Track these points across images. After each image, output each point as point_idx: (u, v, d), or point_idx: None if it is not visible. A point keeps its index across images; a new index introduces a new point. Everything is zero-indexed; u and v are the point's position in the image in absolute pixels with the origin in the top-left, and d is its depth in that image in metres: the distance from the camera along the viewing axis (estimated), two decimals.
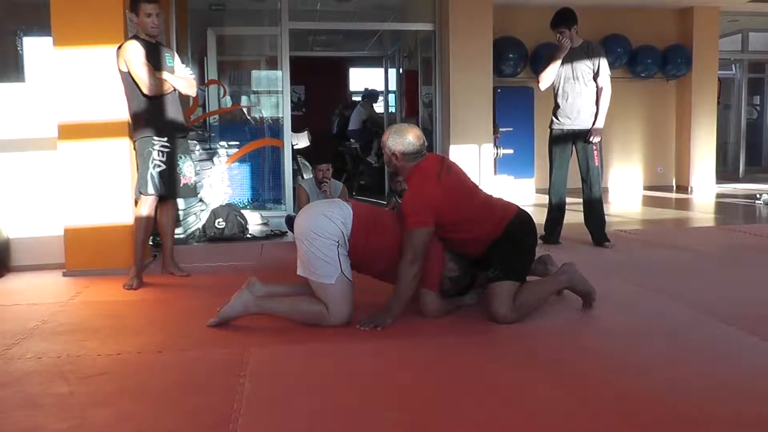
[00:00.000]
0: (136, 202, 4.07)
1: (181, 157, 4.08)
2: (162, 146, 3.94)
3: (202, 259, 4.76)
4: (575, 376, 2.43)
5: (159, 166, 3.94)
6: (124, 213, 4.27)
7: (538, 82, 5.06)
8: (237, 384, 2.35)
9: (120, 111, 4.15)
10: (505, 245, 3.12)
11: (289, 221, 5.49)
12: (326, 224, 2.98)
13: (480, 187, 3.36)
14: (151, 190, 3.94)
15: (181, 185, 4.10)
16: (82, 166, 4.23)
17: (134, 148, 4.04)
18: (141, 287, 3.86)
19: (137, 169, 4.06)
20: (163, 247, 4.23)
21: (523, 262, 3.20)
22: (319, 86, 12.16)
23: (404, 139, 3.14)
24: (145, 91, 3.87)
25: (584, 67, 4.85)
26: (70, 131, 4.21)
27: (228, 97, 8.38)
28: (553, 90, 5.02)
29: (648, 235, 5.69)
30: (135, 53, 3.84)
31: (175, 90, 4.02)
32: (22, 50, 7.79)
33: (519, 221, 3.22)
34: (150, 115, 3.94)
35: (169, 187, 4.03)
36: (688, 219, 7.02)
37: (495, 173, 7.76)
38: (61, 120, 4.21)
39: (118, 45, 3.97)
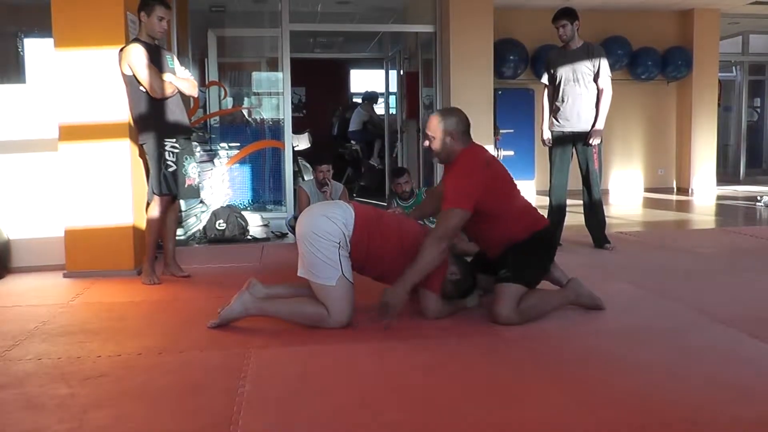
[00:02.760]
0: (148, 204, 4.08)
1: (186, 158, 4.10)
2: (172, 146, 3.97)
3: (203, 261, 4.77)
4: (576, 378, 2.43)
5: (170, 166, 3.98)
6: (125, 214, 4.28)
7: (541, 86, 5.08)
8: (237, 385, 2.35)
9: (121, 112, 4.16)
10: (524, 250, 3.14)
11: (290, 223, 5.49)
12: (327, 225, 2.98)
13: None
14: (165, 190, 3.98)
15: (186, 186, 4.12)
16: (82, 168, 4.23)
17: (142, 151, 4.04)
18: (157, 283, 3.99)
19: (146, 171, 4.07)
20: (164, 248, 4.24)
21: (535, 273, 3.20)
22: (319, 88, 12.16)
23: (458, 117, 3.18)
24: (151, 93, 3.88)
25: (585, 68, 4.85)
26: (70, 132, 4.21)
27: (229, 99, 8.39)
28: (553, 92, 5.03)
29: (648, 237, 5.69)
30: (138, 56, 3.84)
31: (178, 91, 4.03)
32: (22, 51, 7.80)
33: (546, 235, 3.27)
34: (156, 117, 3.95)
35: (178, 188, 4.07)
36: (689, 221, 7.02)
37: None
38: (62, 121, 4.21)
39: (119, 47, 3.98)
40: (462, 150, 3.18)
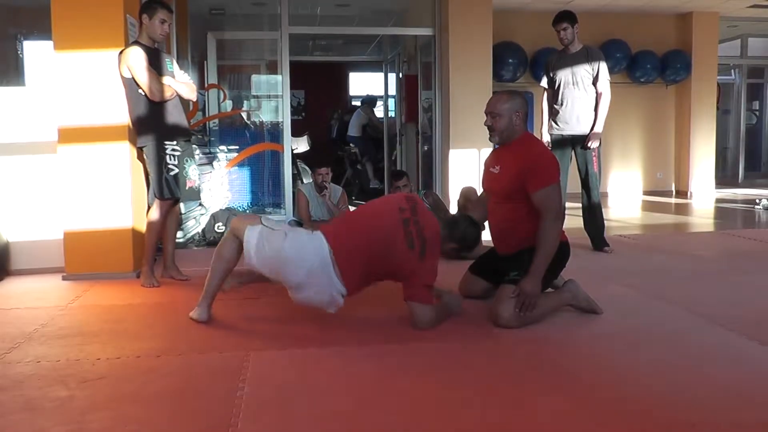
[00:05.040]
0: (149, 207, 4.08)
1: (186, 161, 4.10)
2: (173, 150, 3.97)
3: (202, 264, 4.73)
4: (575, 382, 2.43)
5: (172, 170, 3.97)
6: (124, 217, 4.27)
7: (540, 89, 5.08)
8: (236, 388, 2.35)
9: (120, 115, 4.16)
10: None
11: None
12: (320, 297, 2.98)
13: None
14: (167, 194, 3.97)
15: (187, 188, 4.12)
16: (81, 170, 4.23)
17: (142, 154, 4.03)
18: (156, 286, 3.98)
19: (146, 175, 4.07)
20: (164, 250, 4.23)
21: (545, 282, 3.17)
22: (318, 91, 12.17)
23: (523, 99, 3.27)
24: (150, 96, 3.88)
25: (584, 72, 4.86)
26: (70, 135, 4.21)
27: (228, 102, 8.38)
28: (553, 95, 5.04)
29: (647, 240, 5.70)
30: (138, 59, 3.84)
31: (176, 94, 4.03)
32: (22, 54, 7.80)
33: (566, 248, 3.28)
34: (156, 120, 3.95)
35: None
36: (688, 224, 7.03)
37: None
38: (61, 124, 4.21)
39: (119, 50, 3.98)
40: (525, 132, 3.27)
